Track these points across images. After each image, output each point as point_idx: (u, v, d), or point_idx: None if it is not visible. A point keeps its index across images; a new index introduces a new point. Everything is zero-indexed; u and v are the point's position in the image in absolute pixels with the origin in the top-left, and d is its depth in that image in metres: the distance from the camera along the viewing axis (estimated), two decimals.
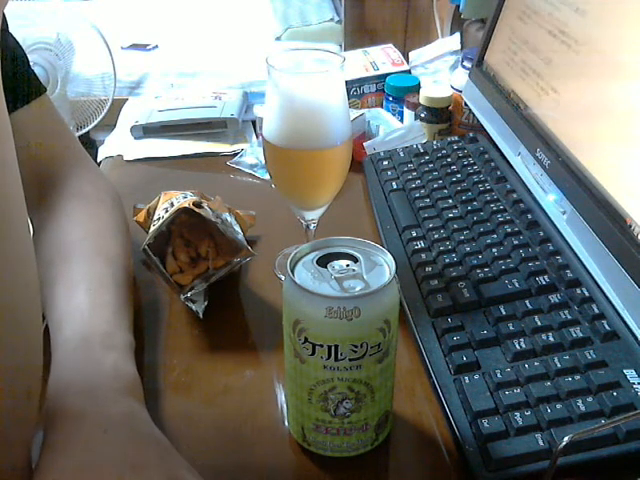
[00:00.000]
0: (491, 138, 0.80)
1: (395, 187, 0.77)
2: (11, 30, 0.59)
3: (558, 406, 0.46)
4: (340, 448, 0.47)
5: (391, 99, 0.97)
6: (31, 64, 0.62)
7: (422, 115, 0.89)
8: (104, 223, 0.61)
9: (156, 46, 2.28)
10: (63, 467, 0.39)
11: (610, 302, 0.54)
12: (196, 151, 0.94)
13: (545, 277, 0.58)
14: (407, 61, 1.10)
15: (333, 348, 0.42)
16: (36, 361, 0.38)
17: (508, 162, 0.75)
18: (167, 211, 0.61)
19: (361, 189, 0.83)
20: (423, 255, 0.64)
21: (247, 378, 0.56)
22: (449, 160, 0.80)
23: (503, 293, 0.57)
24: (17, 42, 0.60)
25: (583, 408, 0.46)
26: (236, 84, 1.13)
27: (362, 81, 1.01)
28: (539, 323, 0.53)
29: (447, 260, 0.62)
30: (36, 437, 0.41)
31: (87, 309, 0.51)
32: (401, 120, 0.95)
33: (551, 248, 0.61)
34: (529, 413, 0.46)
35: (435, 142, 0.85)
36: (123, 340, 0.51)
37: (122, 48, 2.20)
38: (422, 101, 0.88)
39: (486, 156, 0.78)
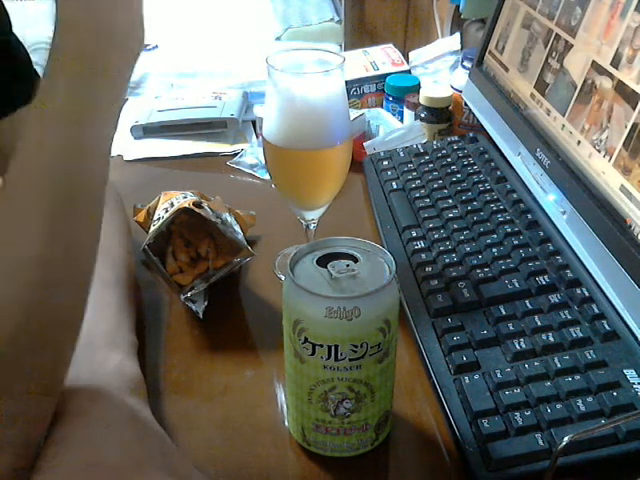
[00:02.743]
0: (491, 138, 0.80)
1: (395, 187, 0.77)
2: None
3: (558, 406, 0.46)
4: (340, 448, 0.47)
5: (391, 99, 0.97)
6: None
7: (422, 115, 0.89)
8: (107, 224, 0.61)
9: (156, 46, 2.28)
10: (64, 464, 0.38)
11: (610, 302, 0.54)
12: (196, 151, 0.93)
13: (545, 277, 0.58)
14: (407, 61, 1.10)
15: (333, 348, 0.42)
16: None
17: (508, 162, 0.75)
18: (167, 211, 0.61)
19: (361, 189, 0.83)
20: (423, 255, 0.64)
21: (247, 378, 0.56)
22: (449, 160, 0.80)
23: (503, 293, 0.57)
24: (20, 42, 0.60)
25: (583, 408, 0.46)
26: (236, 84, 1.12)
27: (362, 81, 1.01)
28: (539, 323, 0.53)
29: (447, 260, 0.62)
30: None
31: (90, 309, 0.51)
32: (401, 120, 0.95)
33: (551, 248, 0.61)
34: (529, 413, 0.46)
35: (435, 142, 0.85)
36: (126, 340, 0.51)
37: None
38: (422, 101, 0.88)
39: (486, 156, 0.78)
